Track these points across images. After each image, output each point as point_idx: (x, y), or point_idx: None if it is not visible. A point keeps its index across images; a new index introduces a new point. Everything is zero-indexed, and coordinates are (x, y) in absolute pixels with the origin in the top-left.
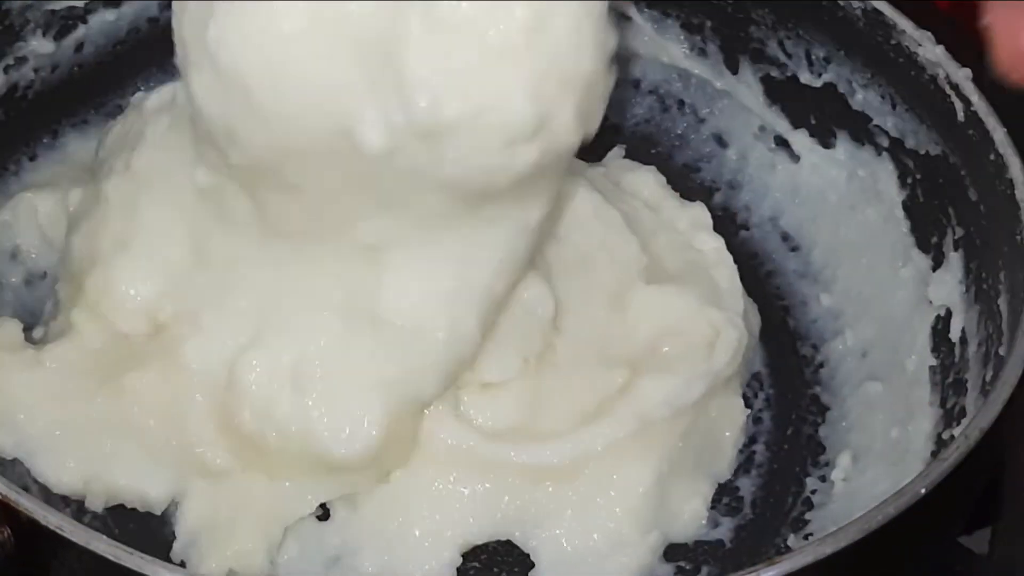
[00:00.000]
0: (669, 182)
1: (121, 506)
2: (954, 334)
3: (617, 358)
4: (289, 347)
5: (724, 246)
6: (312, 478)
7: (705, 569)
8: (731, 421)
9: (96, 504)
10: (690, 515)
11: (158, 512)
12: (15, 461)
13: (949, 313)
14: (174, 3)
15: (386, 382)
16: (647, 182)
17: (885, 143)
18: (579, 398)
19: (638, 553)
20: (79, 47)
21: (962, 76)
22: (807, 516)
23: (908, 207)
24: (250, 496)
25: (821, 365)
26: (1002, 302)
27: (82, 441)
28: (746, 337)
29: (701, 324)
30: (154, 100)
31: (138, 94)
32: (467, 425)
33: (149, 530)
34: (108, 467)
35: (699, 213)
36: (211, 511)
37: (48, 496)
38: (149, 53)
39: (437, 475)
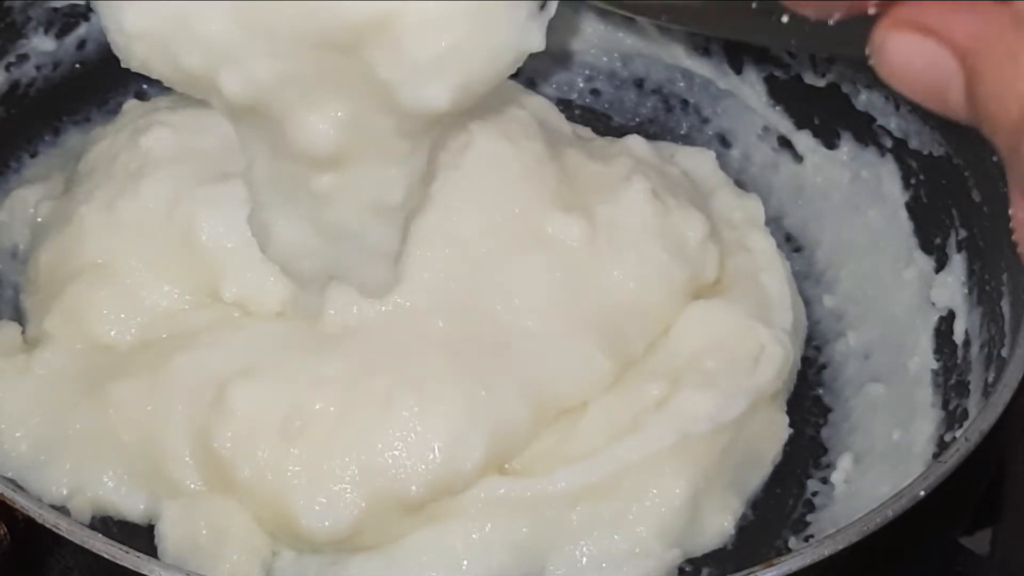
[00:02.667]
0: None
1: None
2: (957, 336)
3: (654, 371)
4: (285, 395)
5: (775, 247)
6: (272, 530)
7: (706, 570)
8: (773, 438)
9: (82, 517)
10: (714, 531)
11: (143, 526)
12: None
13: (952, 315)
14: None
15: (375, 472)
16: (704, 162)
17: (889, 144)
18: (612, 413)
19: (654, 567)
20: (81, 45)
21: None
22: (808, 518)
23: (911, 208)
24: (229, 514)
25: (823, 366)
26: (1005, 304)
27: (66, 453)
28: (792, 354)
29: (747, 340)
30: (151, 140)
31: (131, 101)
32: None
33: (142, 530)
34: (91, 481)
35: (753, 206)
36: (190, 533)
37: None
38: None
39: (472, 527)
